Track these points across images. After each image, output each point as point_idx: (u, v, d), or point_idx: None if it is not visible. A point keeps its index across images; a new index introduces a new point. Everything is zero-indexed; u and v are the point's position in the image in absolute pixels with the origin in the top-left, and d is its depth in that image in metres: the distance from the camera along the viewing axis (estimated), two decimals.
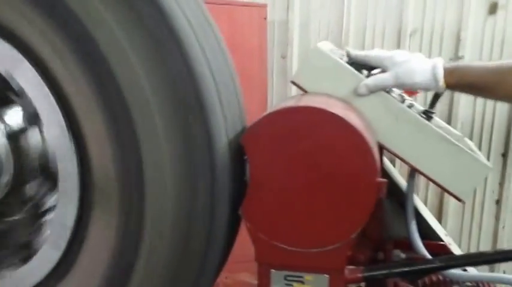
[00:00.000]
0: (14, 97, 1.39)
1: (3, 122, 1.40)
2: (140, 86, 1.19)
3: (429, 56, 3.25)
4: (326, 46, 1.64)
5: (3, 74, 1.28)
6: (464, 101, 3.35)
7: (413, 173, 1.61)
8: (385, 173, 1.79)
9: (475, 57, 3.29)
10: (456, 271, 1.57)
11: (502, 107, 3.29)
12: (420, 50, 3.38)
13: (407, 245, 1.68)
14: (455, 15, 3.29)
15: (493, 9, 3.27)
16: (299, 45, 3.59)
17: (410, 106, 1.58)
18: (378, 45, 3.46)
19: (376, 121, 1.50)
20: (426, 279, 1.66)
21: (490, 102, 3.33)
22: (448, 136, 1.49)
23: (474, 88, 1.48)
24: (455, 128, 3.15)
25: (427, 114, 1.61)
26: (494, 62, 1.49)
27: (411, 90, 1.54)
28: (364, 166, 1.29)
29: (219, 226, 1.33)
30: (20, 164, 1.41)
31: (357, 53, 1.57)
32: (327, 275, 1.40)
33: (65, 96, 1.25)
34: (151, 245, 1.29)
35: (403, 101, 1.57)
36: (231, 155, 1.32)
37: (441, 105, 3.38)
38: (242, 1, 3.30)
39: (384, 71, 1.50)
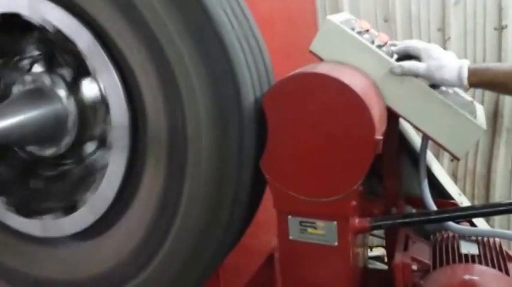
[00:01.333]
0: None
1: (78, 91, 1.71)
2: (182, 57, 1.47)
3: (474, 26, 3.41)
4: (341, 17, 1.87)
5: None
6: None
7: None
8: (402, 135, 2.01)
9: None
10: (459, 226, 1.79)
11: None
12: (465, 20, 3.49)
13: (420, 202, 1.90)
14: None
15: None
16: (350, 14, 3.77)
17: None
18: (423, 15, 3.59)
19: (383, 86, 1.74)
20: (438, 234, 1.87)
21: None
22: (446, 100, 1.70)
23: (492, 86, 1.72)
24: (503, 98, 3.31)
25: None
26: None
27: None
28: (362, 125, 1.53)
29: (246, 174, 1.60)
30: (83, 129, 1.73)
31: (398, 44, 1.83)
32: (335, 222, 1.64)
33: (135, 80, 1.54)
34: (191, 189, 1.57)
35: None
36: (256, 112, 1.59)
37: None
38: None
39: (418, 60, 1.72)
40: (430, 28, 3.59)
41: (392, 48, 1.83)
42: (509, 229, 3.56)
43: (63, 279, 1.81)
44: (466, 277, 1.59)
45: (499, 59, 3.45)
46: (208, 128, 1.51)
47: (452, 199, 2.03)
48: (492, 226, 3.38)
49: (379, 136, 1.55)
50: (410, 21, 3.63)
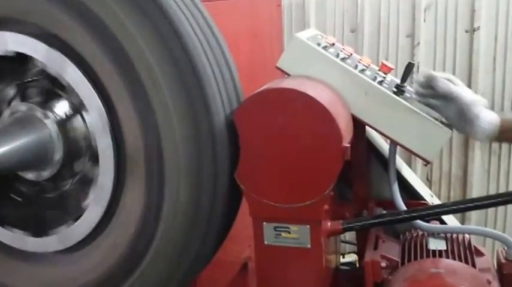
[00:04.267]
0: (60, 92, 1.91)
1: (53, 112, 1.92)
2: (159, 84, 1.69)
3: (445, 29, 3.67)
4: (308, 33, 2.10)
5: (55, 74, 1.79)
6: (483, 72, 3.72)
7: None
8: (370, 143, 2.24)
9: (491, 28, 3.66)
10: (427, 224, 2.02)
11: None
12: (436, 24, 3.77)
13: (391, 204, 2.12)
14: None
15: None
16: (316, 26, 4.03)
17: (381, 82, 2.02)
18: (393, 23, 3.86)
19: (349, 96, 1.96)
20: (407, 233, 2.10)
21: (509, 71, 3.69)
22: (411, 106, 1.94)
23: None
24: None
25: (399, 88, 2.05)
26: None
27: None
28: (329, 134, 1.75)
29: (222, 183, 1.81)
30: (69, 144, 1.94)
31: (442, 84, 1.92)
32: (308, 226, 1.86)
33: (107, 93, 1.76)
34: (171, 199, 1.78)
35: (374, 78, 2.02)
36: (227, 128, 1.80)
37: (460, 76, 3.76)
38: None
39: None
40: (399, 35, 3.86)
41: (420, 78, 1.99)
42: (486, 225, 3.81)
43: None
44: (432, 270, 1.81)
45: (470, 62, 3.73)
46: (183, 145, 1.73)
47: (424, 200, 2.26)
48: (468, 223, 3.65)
49: (346, 144, 1.77)
50: (378, 29, 3.89)
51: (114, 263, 1.89)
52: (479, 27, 3.64)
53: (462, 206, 1.95)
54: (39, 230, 1.96)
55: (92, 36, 1.72)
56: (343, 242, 3.24)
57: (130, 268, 1.88)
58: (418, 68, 3.84)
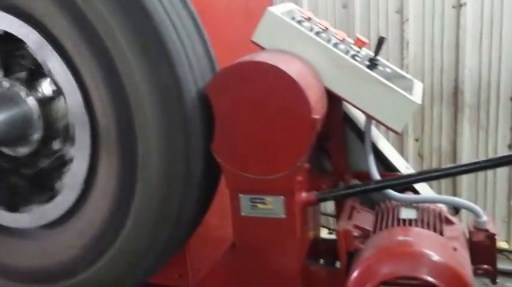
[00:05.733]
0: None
1: (36, 90, 1.98)
2: (130, 66, 1.75)
3: (433, 5, 3.69)
4: (283, 8, 2.14)
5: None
6: (470, 48, 3.74)
7: None
8: (347, 116, 2.28)
9: (477, 3, 3.67)
10: (398, 194, 2.07)
11: (507, 50, 3.66)
12: (423, 0, 3.78)
13: (367, 176, 2.17)
14: None
15: None
16: (308, 2, 4.06)
17: (354, 56, 2.06)
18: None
19: (322, 69, 2.01)
20: (382, 204, 2.14)
21: (495, 46, 3.71)
22: (381, 78, 1.98)
23: None
24: (463, 76, 3.60)
25: (372, 61, 2.09)
26: None
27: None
28: (299, 106, 1.80)
29: (196, 156, 1.88)
30: (48, 124, 1.99)
31: None
32: (283, 197, 1.92)
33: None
34: (143, 178, 1.84)
35: (347, 52, 2.06)
36: (200, 102, 1.85)
37: (448, 54, 3.80)
38: None
39: None
40: (389, 11, 3.88)
41: None
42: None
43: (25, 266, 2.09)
44: (400, 237, 1.86)
45: (457, 37, 3.75)
46: (154, 119, 1.78)
47: (399, 172, 2.31)
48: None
49: (316, 115, 1.82)
50: (369, 5, 3.91)
51: (92, 238, 1.95)
52: (465, 3, 3.65)
53: (427, 176, 2.01)
54: (13, 206, 2.01)
55: (69, 22, 1.77)
56: (323, 214, 3.30)
57: (108, 243, 1.94)
58: (407, 44, 3.86)
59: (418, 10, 3.82)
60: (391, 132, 3.84)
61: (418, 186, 2.20)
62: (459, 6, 3.71)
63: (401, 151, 4.00)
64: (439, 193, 3.91)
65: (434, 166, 3.96)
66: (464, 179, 3.90)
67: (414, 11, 3.82)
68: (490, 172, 3.85)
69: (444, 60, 3.82)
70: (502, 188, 3.87)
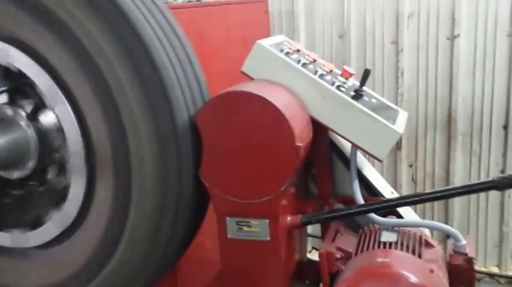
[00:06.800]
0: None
1: (36, 125, 2.04)
2: (123, 89, 1.81)
3: (427, 36, 3.76)
4: (272, 40, 2.21)
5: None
6: (463, 78, 3.80)
7: None
8: (334, 144, 2.34)
9: (471, 35, 3.74)
10: (380, 218, 2.11)
11: (499, 80, 3.72)
12: (418, 31, 3.86)
13: (351, 200, 2.22)
14: None
15: None
16: (305, 32, 4.16)
17: (340, 86, 2.13)
18: (378, 29, 3.97)
19: (307, 99, 2.07)
20: (366, 227, 2.19)
21: (488, 76, 3.77)
22: (364, 108, 2.04)
23: None
24: (456, 103, 3.66)
25: (357, 92, 2.15)
26: None
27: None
28: (283, 134, 1.86)
29: (187, 180, 1.94)
30: (43, 153, 2.06)
31: None
32: (267, 220, 1.97)
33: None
34: (138, 196, 1.90)
35: (333, 83, 2.13)
36: (191, 128, 1.92)
37: (442, 83, 3.86)
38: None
39: None
40: (384, 41, 3.96)
41: None
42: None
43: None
44: (379, 259, 1.91)
45: (451, 68, 3.82)
46: (148, 146, 1.85)
47: (383, 197, 2.35)
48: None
49: (299, 143, 1.88)
50: (365, 35, 3.99)
51: (88, 257, 2.01)
52: (459, 34, 3.73)
53: (407, 201, 2.06)
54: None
55: (60, 44, 1.84)
56: (310, 236, 3.34)
57: (103, 262, 2.01)
58: (402, 73, 3.93)
59: (413, 41, 3.90)
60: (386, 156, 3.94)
61: (402, 211, 2.24)
62: (453, 37, 3.78)
63: (395, 176, 4.06)
64: (432, 217, 3.96)
65: (428, 190, 3.99)
66: (457, 205, 3.94)
67: (409, 41, 3.90)
68: (482, 198, 3.89)
69: (438, 89, 3.88)
70: (493, 213, 3.90)
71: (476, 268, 3.84)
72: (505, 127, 3.79)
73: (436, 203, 4.01)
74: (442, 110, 3.88)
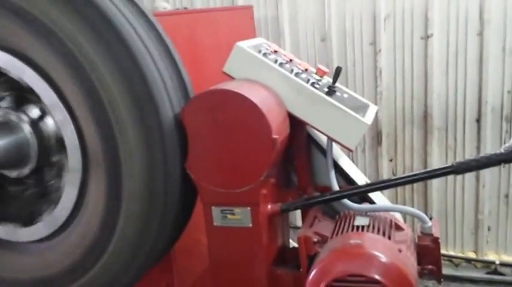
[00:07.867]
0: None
1: (36, 128, 2.16)
2: (114, 99, 1.93)
3: (403, 36, 3.89)
4: (252, 42, 2.34)
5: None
6: (437, 75, 3.93)
7: None
8: (312, 138, 2.46)
9: (443, 34, 3.87)
10: (353, 204, 2.24)
11: (471, 76, 3.85)
12: (394, 32, 3.99)
13: (328, 189, 2.34)
14: None
15: None
16: (290, 36, 4.29)
17: (314, 83, 2.25)
18: (357, 31, 4.10)
19: (284, 95, 2.20)
20: (342, 213, 2.31)
21: (461, 73, 3.90)
22: (336, 102, 2.16)
23: None
24: (431, 99, 3.78)
25: (330, 88, 2.27)
26: None
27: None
28: (260, 127, 1.98)
29: (173, 173, 2.06)
30: (41, 156, 2.18)
31: None
32: (249, 208, 2.09)
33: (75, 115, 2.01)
34: (128, 192, 2.02)
35: (307, 80, 2.25)
36: (176, 125, 2.03)
37: (417, 81, 3.99)
38: (229, 6, 4.07)
39: None
40: (363, 43, 4.09)
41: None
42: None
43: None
44: (352, 241, 2.03)
45: (425, 66, 3.94)
46: (137, 146, 1.96)
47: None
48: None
49: (276, 136, 2.00)
50: (345, 37, 4.12)
51: (81, 253, 2.13)
52: (432, 34, 3.84)
53: (375, 187, 2.19)
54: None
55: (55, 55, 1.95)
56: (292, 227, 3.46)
57: (95, 257, 2.12)
58: (380, 72, 4.05)
59: (390, 42, 4.02)
60: (368, 152, 4.06)
61: (375, 197, 2.37)
62: (427, 37, 3.91)
63: (377, 170, 4.18)
64: (412, 206, 4.08)
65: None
66: (435, 195, 4.07)
67: (386, 42, 4.03)
68: (459, 188, 4.02)
69: (414, 86, 4.01)
70: (469, 202, 4.03)
71: (454, 253, 4.01)
72: (478, 120, 3.90)
73: (415, 194, 4.14)
74: (418, 106, 4.01)
